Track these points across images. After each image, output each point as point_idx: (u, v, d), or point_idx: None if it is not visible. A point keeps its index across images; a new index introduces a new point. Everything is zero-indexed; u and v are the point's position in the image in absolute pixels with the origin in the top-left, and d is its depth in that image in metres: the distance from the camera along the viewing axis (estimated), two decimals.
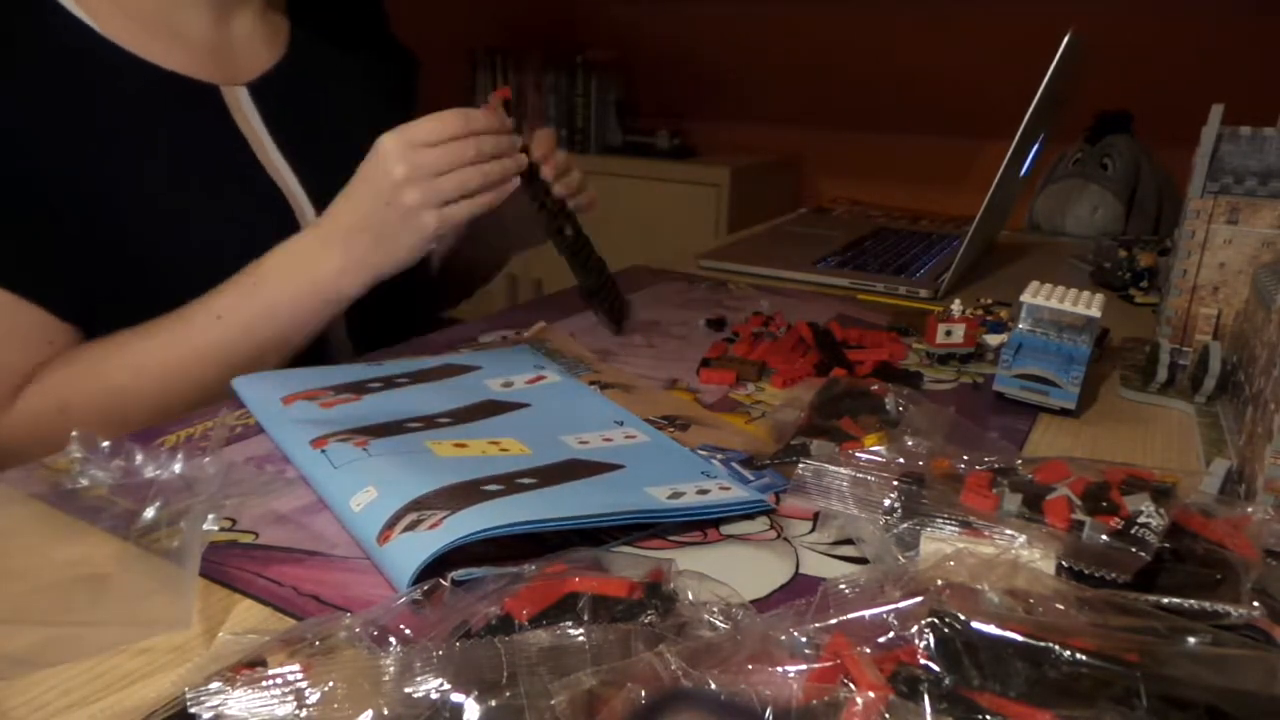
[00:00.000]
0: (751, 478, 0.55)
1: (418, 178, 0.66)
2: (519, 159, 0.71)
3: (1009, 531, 0.40)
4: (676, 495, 0.50)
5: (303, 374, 0.66)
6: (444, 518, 0.44)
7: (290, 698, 0.30)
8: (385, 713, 0.30)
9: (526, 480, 0.50)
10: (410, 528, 0.44)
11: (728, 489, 0.52)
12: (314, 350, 0.76)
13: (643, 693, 0.29)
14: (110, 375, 0.67)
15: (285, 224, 0.76)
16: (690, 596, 0.37)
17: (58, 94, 0.68)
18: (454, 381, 0.67)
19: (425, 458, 0.53)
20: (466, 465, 0.52)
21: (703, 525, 0.49)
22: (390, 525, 0.45)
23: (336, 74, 0.86)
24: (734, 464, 0.56)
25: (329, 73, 0.85)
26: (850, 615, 0.34)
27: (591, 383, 0.69)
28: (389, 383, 0.66)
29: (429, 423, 0.59)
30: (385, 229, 0.68)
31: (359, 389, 0.64)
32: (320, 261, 0.69)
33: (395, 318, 0.87)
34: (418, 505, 0.46)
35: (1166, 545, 0.40)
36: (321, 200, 0.76)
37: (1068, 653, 0.31)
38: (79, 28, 0.70)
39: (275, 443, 0.57)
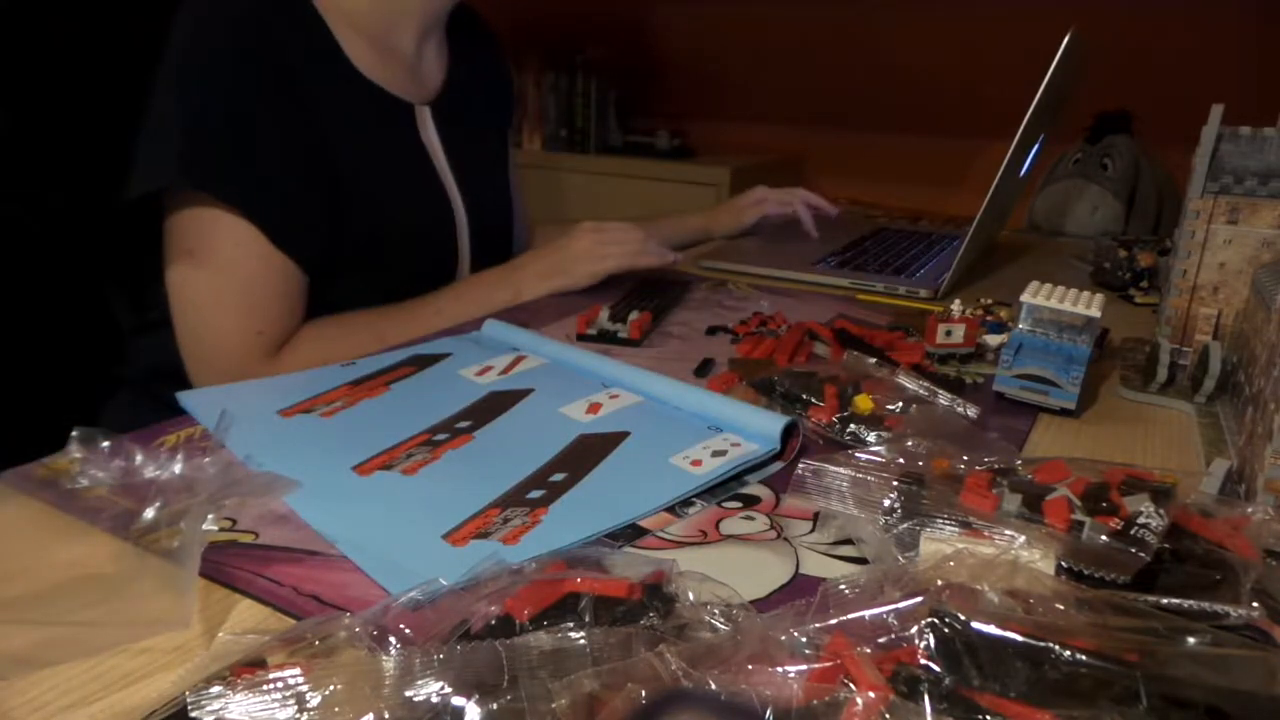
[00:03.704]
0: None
1: (597, 241, 0.93)
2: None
3: (1009, 532, 0.40)
4: (696, 463, 0.55)
5: (282, 384, 0.67)
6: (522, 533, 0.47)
7: (291, 701, 0.30)
8: (386, 716, 0.30)
9: (558, 476, 0.53)
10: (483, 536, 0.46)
11: (738, 445, 0.56)
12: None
13: (643, 693, 0.29)
14: (364, 344, 0.81)
15: (447, 228, 0.92)
16: (691, 597, 0.37)
17: (316, 95, 0.81)
18: (435, 374, 0.70)
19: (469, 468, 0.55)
20: (509, 465, 0.54)
21: (703, 526, 0.49)
22: (461, 527, 0.47)
23: (479, 95, 1.00)
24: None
25: (475, 94, 0.99)
26: (850, 615, 0.34)
27: None
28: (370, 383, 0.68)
29: (449, 430, 0.60)
30: (558, 264, 0.92)
31: (350, 397, 0.65)
32: (494, 295, 0.90)
33: None
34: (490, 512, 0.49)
35: (1166, 546, 0.40)
36: (470, 209, 0.94)
37: (1068, 653, 0.31)
38: (330, 46, 0.84)
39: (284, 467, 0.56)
